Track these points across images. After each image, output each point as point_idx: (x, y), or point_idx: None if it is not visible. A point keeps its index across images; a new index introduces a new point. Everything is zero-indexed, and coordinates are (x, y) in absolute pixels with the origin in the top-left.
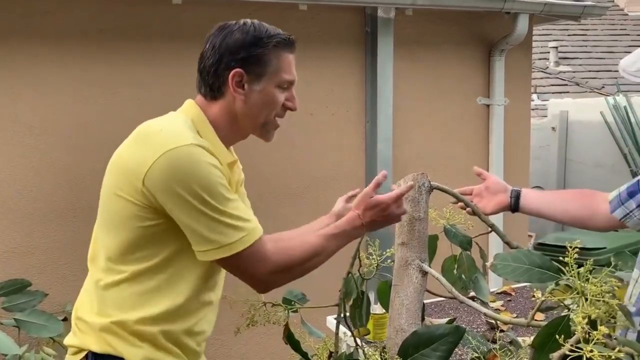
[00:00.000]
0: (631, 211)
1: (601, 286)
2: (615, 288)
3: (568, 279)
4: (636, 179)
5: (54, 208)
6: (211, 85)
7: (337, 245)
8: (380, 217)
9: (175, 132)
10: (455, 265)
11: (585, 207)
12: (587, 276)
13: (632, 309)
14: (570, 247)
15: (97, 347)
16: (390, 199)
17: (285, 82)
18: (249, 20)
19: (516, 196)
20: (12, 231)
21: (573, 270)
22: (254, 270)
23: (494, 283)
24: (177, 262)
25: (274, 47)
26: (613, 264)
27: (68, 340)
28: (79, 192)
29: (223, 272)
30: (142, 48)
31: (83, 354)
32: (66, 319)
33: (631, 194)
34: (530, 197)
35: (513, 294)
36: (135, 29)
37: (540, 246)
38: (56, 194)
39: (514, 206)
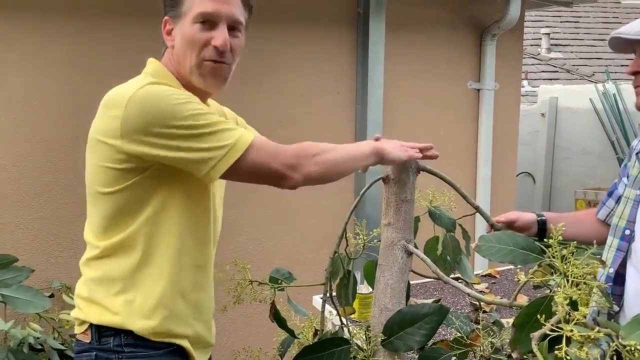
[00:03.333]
0: (612, 209)
1: (583, 268)
2: (597, 270)
3: (551, 260)
4: (614, 181)
5: (41, 183)
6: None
7: (358, 154)
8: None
9: (135, 81)
10: (440, 247)
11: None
12: (569, 258)
13: (610, 270)
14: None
15: (99, 319)
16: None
17: (198, 15)
18: None
19: (543, 224)
20: (1, 207)
21: (556, 252)
22: (269, 166)
23: (479, 265)
24: (155, 228)
25: None
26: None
27: (73, 313)
28: (65, 168)
29: (209, 247)
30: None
31: (86, 325)
32: (53, 295)
33: (610, 194)
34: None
35: (498, 276)
36: (126, 3)
37: None
38: (43, 170)
39: (541, 237)
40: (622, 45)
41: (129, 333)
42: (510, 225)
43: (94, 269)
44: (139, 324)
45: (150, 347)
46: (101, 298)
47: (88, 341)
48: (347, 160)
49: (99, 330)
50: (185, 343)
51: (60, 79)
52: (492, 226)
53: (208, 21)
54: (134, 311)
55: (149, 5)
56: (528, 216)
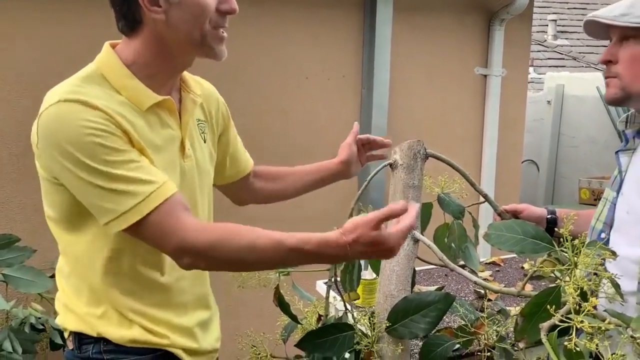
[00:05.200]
0: None
1: (593, 258)
2: (611, 260)
3: (561, 250)
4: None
5: None
6: (125, 16)
7: (294, 260)
8: (373, 253)
9: (56, 89)
10: (447, 234)
11: None
12: (580, 248)
13: (600, 225)
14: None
15: (76, 327)
16: (398, 235)
17: None
18: None
19: (552, 223)
20: (0, 186)
21: (567, 241)
22: (161, 243)
23: (482, 253)
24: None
25: None
26: None
27: (57, 319)
28: None
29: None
30: None
31: (68, 332)
32: (54, 276)
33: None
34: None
35: (502, 264)
36: None
37: None
38: None
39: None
40: (598, 30)
41: (108, 341)
42: (515, 215)
43: (69, 278)
44: (116, 334)
45: (133, 353)
46: (76, 306)
47: (71, 348)
48: (261, 264)
49: (79, 338)
50: (174, 350)
51: (70, 60)
52: (500, 215)
53: None
54: (108, 321)
55: None
56: (537, 210)
